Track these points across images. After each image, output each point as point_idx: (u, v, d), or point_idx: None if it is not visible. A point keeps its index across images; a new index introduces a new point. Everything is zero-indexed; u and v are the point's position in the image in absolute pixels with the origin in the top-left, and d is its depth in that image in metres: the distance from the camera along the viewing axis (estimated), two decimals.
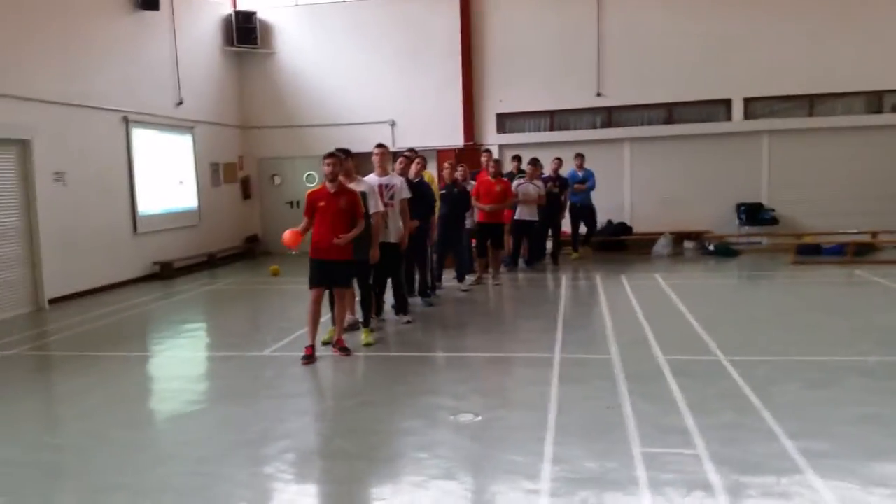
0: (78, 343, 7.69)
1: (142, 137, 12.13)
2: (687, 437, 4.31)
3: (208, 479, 4.05)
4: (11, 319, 9.06)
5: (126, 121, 11.73)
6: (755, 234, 13.83)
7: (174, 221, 12.93)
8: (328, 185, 6.36)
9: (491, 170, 10.46)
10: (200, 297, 10.62)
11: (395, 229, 7.52)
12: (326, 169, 6.31)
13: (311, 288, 6.41)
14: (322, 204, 6.31)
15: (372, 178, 7.39)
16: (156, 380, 6.60)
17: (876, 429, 4.36)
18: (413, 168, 8.49)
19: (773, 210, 14.00)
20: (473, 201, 10.18)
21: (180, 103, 13.33)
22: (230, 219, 15.05)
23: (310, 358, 6.30)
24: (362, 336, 6.94)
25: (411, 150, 9.36)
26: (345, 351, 6.53)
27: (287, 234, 6.28)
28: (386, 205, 7.28)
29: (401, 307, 7.97)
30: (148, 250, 12.15)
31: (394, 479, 3.95)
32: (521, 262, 11.92)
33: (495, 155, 14.12)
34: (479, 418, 4.80)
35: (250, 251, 15.31)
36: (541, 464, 3.98)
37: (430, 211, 8.80)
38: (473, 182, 10.54)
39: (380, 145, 7.73)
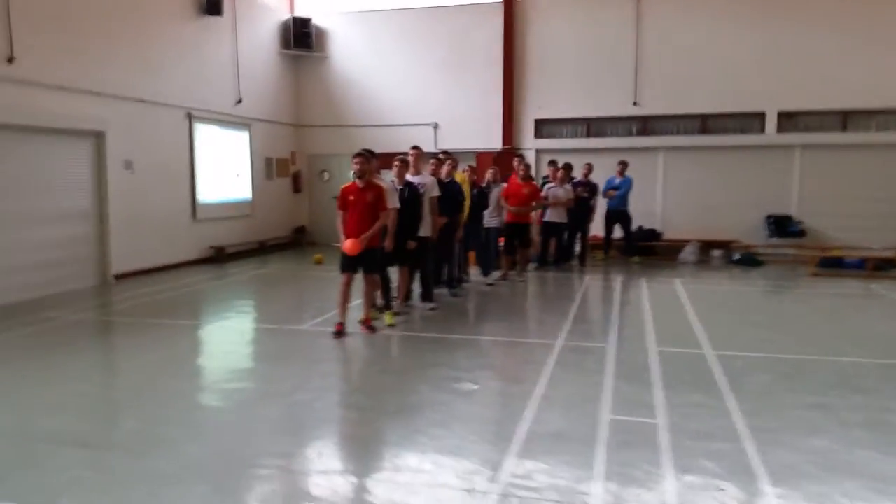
0: (139, 312, 8.71)
1: (203, 132, 13.23)
2: (653, 410, 4.96)
3: (242, 417, 4.91)
4: (82, 290, 10.18)
5: (190, 116, 12.84)
6: (782, 246, 14.14)
7: (229, 210, 14.02)
8: (357, 181, 7.16)
9: (520, 173, 11.14)
10: (250, 280, 11.62)
11: (425, 224, 8.30)
12: (355, 167, 7.12)
13: (341, 273, 7.23)
14: (352, 198, 7.13)
15: (408, 176, 8.21)
16: (205, 343, 7.55)
17: (823, 414, 4.93)
18: (444, 169, 9.25)
19: (802, 223, 14.29)
20: (502, 202, 10.87)
21: (239, 102, 14.42)
22: (281, 210, 16.09)
23: (339, 334, 7.11)
24: (385, 318, 7.73)
25: (444, 152, 10.12)
26: (371, 329, 7.33)
27: (348, 244, 7.01)
28: None
29: (427, 295, 8.74)
30: (205, 235, 13.25)
31: (398, 427, 4.72)
32: (549, 261, 12.56)
33: (532, 160, 14.89)
34: (477, 387, 5.55)
35: (298, 241, 16.34)
36: (519, 423, 4.70)
37: (459, 209, 9.53)
38: (504, 184, 11.23)
39: (415, 147, 8.56)
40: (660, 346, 6.77)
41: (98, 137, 10.77)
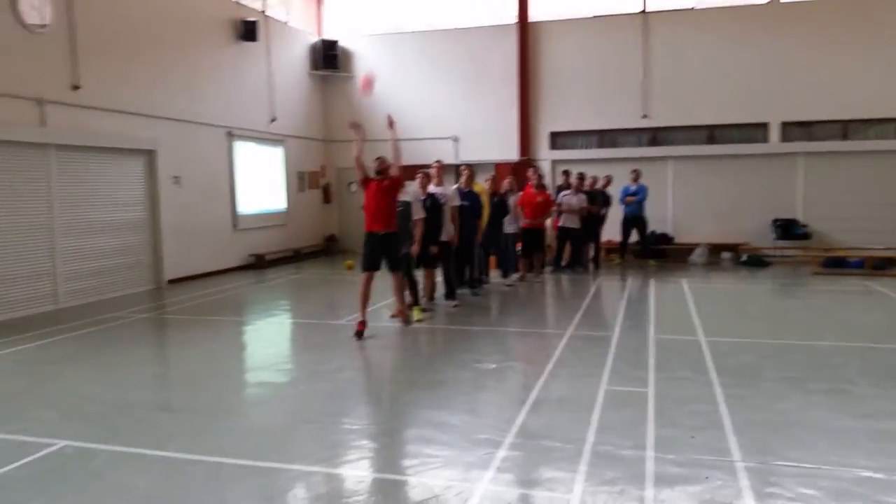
0: (193, 311, 9.76)
1: (242, 149, 14.35)
2: (644, 382, 5.84)
3: (297, 390, 5.88)
4: (139, 294, 11.27)
5: (230, 135, 13.96)
6: (788, 248, 14.88)
7: (267, 220, 15.12)
8: (376, 175, 8.04)
9: (534, 182, 12.04)
10: (287, 284, 12.65)
11: (446, 230, 9.27)
12: (375, 164, 8.04)
13: (363, 271, 7.94)
14: (373, 183, 8.01)
15: (430, 188, 9.17)
16: (255, 335, 8.55)
17: (791, 385, 5.76)
18: (462, 179, 10.21)
19: (807, 226, 15.03)
20: (518, 210, 11.78)
21: (273, 120, 15.53)
22: (312, 220, 17.16)
23: (360, 334, 7.68)
24: (413, 313, 8.67)
25: (466, 165, 11.05)
26: (406, 321, 8.23)
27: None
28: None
29: (450, 293, 9.68)
30: (245, 244, 14.35)
31: (430, 395, 5.64)
32: (563, 264, 13.42)
33: (548, 170, 15.82)
34: (494, 366, 6.47)
35: (329, 248, 17.38)
36: (530, 391, 5.61)
37: (477, 216, 10.42)
38: (520, 193, 12.14)
39: (437, 161, 9.56)
40: (658, 335, 7.63)
41: (150, 155, 11.89)
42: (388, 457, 4.48)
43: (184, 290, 11.62)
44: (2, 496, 3.89)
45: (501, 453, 4.33)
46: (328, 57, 17.20)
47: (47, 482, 4.06)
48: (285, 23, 16.35)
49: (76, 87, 10.42)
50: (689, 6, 15.84)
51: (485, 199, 10.95)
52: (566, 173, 13.88)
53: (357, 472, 4.21)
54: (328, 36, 17.53)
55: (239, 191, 14.17)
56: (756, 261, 14.05)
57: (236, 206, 14.09)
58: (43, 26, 9.87)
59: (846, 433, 4.63)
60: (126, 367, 6.77)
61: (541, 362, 6.54)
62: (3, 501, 3.83)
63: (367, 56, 17.55)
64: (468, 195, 10.12)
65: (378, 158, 8.21)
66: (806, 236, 14.95)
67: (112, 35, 11.09)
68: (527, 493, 3.82)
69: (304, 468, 4.20)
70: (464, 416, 5.09)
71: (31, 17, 9.68)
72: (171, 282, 12.13)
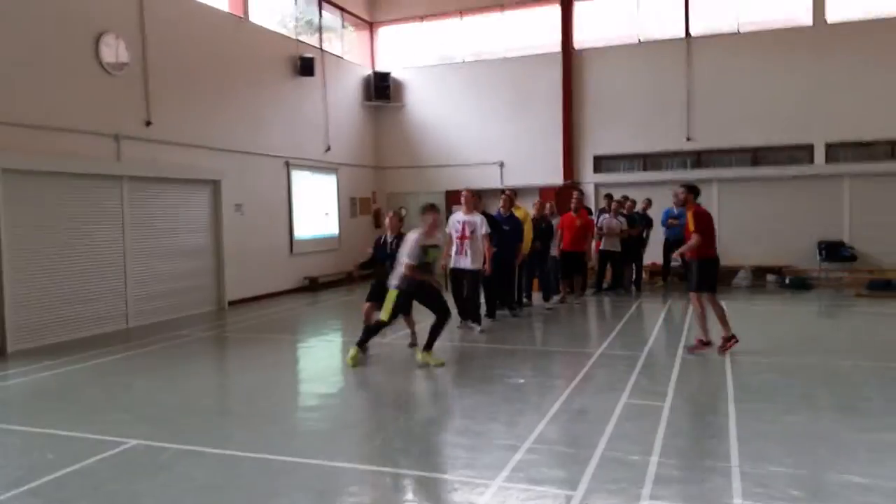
0: (252, 329, 10.53)
1: (298, 177, 15.25)
2: (662, 397, 6.20)
3: (346, 398, 6.46)
4: (204, 314, 12.15)
5: (287, 164, 14.87)
6: (833, 270, 14.83)
7: (321, 245, 15.95)
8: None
9: (572, 205, 12.45)
10: (340, 305, 13.36)
11: (475, 259, 9.46)
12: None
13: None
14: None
15: (459, 215, 9.65)
16: (309, 352, 9.25)
17: (805, 401, 6.05)
18: (501, 204, 10.74)
19: (853, 248, 14.94)
20: (558, 234, 12.20)
21: (328, 149, 16.41)
22: (364, 244, 17.82)
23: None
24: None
25: (510, 189, 11.56)
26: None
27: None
28: (467, 237, 9.45)
29: (474, 317, 9.75)
30: (300, 267, 15.18)
31: (457, 406, 6.16)
32: (605, 287, 13.75)
33: (591, 193, 16.24)
34: (522, 381, 6.95)
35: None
36: (554, 404, 6.05)
37: (518, 240, 10.87)
38: (560, 217, 12.56)
39: (467, 190, 9.93)
40: (686, 355, 7.94)
41: (215, 185, 12.83)
42: (419, 456, 4.99)
43: (243, 310, 12.45)
44: (87, 482, 4.58)
45: (518, 456, 4.80)
46: (380, 88, 18.05)
47: (123, 472, 4.73)
48: (341, 57, 17.30)
49: (148, 123, 11.43)
50: (733, 30, 16.08)
51: (528, 224, 11.29)
52: (608, 197, 14.22)
53: (389, 468, 4.74)
54: (381, 68, 18.42)
55: (295, 217, 15.03)
56: (800, 283, 14.08)
57: (293, 231, 14.94)
58: (121, 67, 10.90)
59: (846, 444, 4.93)
60: (190, 379, 7.51)
61: (568, 378, 6.97)
62: (88, 486, 4.51)
63: (416, 86, 18.34)
64: (509, 220, 10.62)
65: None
66: (852, 258, 14.86)
67: (181, 73, 12.10)
68: (535, 489, 4.27)
69: (345, 465, 4.77)
70: (489, 424, 5.58)
71: (110, 59, 10.72)
72: (232, 303, 12.98)
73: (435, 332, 7.65)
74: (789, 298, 12.86)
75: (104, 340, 9.72)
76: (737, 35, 16.06)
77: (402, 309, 7.78)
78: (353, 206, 17.60)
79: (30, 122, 9.43)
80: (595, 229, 13.13)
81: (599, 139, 17.08)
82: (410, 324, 8.62)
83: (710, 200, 16.19)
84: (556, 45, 17.16)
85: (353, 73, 17.80)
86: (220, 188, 12.87)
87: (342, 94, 17.24)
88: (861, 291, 12.89)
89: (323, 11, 16.64)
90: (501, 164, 17.60)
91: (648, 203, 14.77)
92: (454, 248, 9.64)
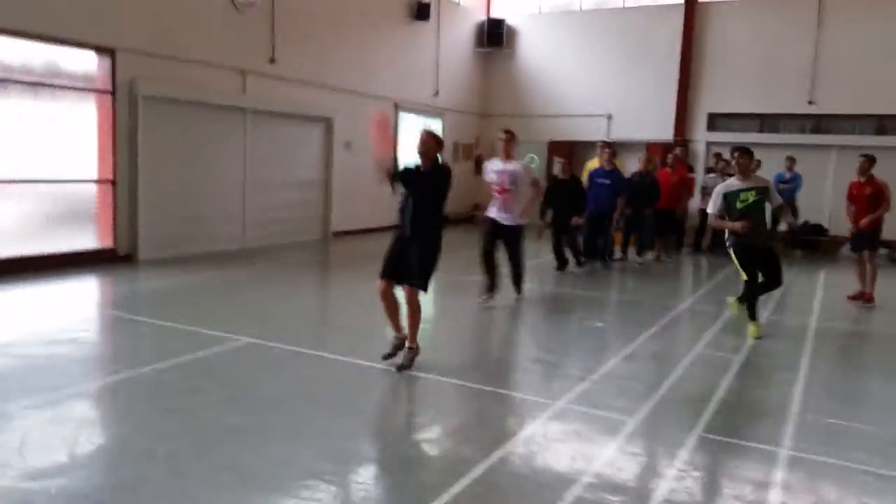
0: (353, 258, 11.32)
1: (406, 119, 15.76)
2: (736, 350, 6.35)
3: (439, 327, 7.01)
4: (311, 241, 13.07)
5: (396, 106, 15.40)
6: None
7: None
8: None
9: (669, 160, 12.33)
10: None
11: (517, 212, 7.89)
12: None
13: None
14: None
15: (495, 163, 8.04)
16: None
17: (880, 367, 6.04)
18: (605, 157, 10.85)
19: None
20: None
21: (436, 94, 16.81)
22: (463, 189, 18.31)
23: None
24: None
25: (604, 142, 11.60)
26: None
27: None
28: (507, 189, 7.85)
29: (518, 284, 8.25)
30: None
31: (532, 339, 6.57)
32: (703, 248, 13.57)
33: (701, 152, 15.89)
34: (600, 325, 7.26)
35: (473, 217, 18.53)
36: (628, 346, 6.33)
37: (618, 194, 10.82)
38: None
39: (506, 132, 8.09)
40: (771, 316, 7.96)
41: (327, 122, 13.55)
42: (493, 376, 5.46)
43: (346, 241, 13.27)
44: (207, 368, 5.34)
45: (584, 386, 5.16)
46: (493, 35, 18.14)
47: (236, 362, 5.49)
48: (457, 3, 17.50)
49: (272, 61, 12.19)
50: None
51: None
52: (717, 156, 13.90)
53: (467, 383, 5.22)
54: (496, 14, 18.48)
55: (400, 158, 15.56)
56: None
57: (397, 171, 15.51)
58: (251, 4, 11.64)
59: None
60: (295, 294, 8.32)
61: (647, 326, 7.18)
62: (210, 374, 5.25)
63: (530, 33, 18.30)
64: (610, 174, 10.74)
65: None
66: None
67: (303, 14, 12.75)
68: (593, 412, 4.64)
69: (428, 376, 5.29)
70: (561, 357, 5.97)
71: None
72: (336, 234, 13.83)
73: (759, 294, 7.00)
74: (893, 273, 12.30)
75: (221, 257, 10.72)
76: None
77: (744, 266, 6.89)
78: (457, 151, 18.00)
79: (167, 53, 10.33)
80: (698, 188, 12.92)
81: (715, 96, 16.54)
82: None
83: (826, 167, 15.54)
84: None
85: (467, 18, 17.98)
86: (332, 126, 13.58)
87: (454, 39, 17.49)
88: None
89: None
90: (609, 117, 17.41)
91: (758, 164, 14.21)
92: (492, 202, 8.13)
